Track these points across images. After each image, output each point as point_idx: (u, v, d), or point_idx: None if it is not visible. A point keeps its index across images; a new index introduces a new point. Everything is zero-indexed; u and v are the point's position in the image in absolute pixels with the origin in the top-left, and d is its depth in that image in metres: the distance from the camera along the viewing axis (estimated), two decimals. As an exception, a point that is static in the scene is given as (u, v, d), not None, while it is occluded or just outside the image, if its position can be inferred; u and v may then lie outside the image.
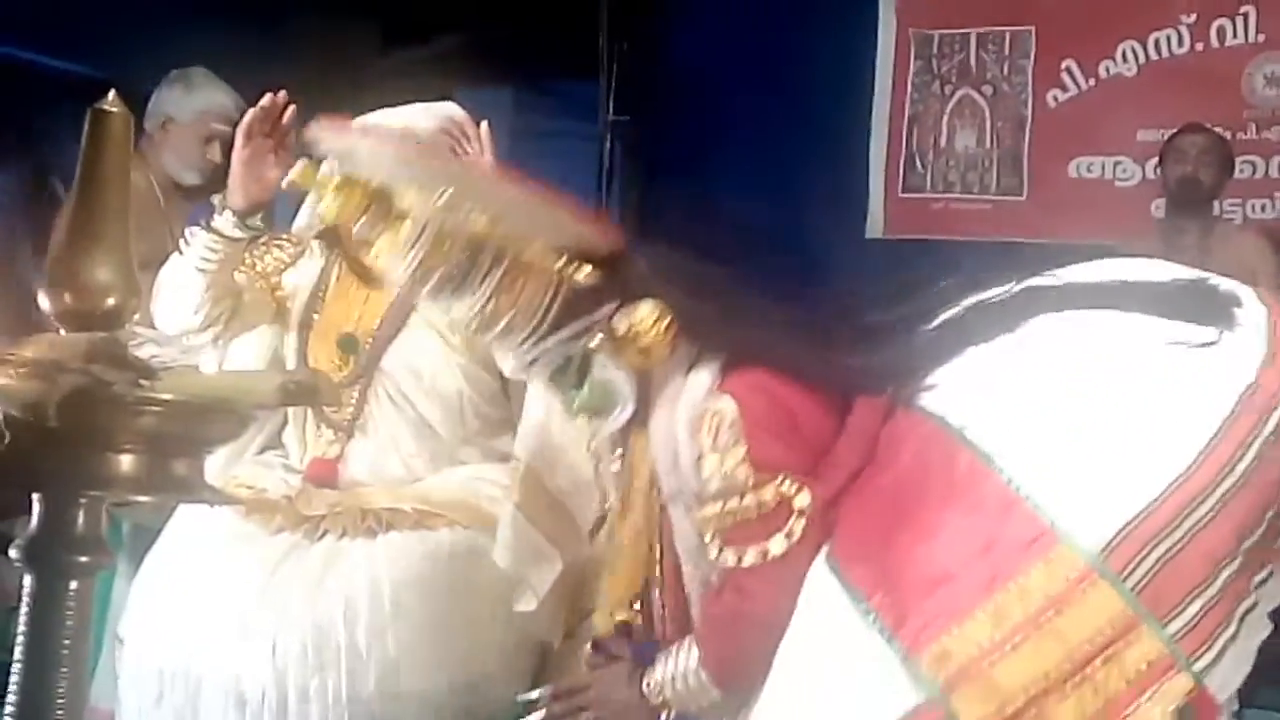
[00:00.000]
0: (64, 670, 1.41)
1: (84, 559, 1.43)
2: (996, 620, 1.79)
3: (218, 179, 3.79)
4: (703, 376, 2.08)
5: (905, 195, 5.37)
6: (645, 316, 2.09)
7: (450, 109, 2.87)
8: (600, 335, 2.10)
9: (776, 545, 1.96)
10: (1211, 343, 1.89)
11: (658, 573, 2.16)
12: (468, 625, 2.68)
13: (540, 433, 2.71)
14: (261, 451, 2.92)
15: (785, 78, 5.29)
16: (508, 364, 2.73)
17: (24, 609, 1.41)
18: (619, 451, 2.26)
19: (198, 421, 1.65)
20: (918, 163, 5.37)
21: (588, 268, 2.08)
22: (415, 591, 2.64)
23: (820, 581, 1.95)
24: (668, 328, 2.09)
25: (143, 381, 1.60)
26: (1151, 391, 1.87)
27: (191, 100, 3.93)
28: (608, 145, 5.43)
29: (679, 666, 2.05)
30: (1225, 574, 1.82)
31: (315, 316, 2.87)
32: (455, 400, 2.85)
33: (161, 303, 2.77)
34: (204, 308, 2.73)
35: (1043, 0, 5.14)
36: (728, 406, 2.02)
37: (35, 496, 1.43)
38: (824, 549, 1.96)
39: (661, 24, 5.52)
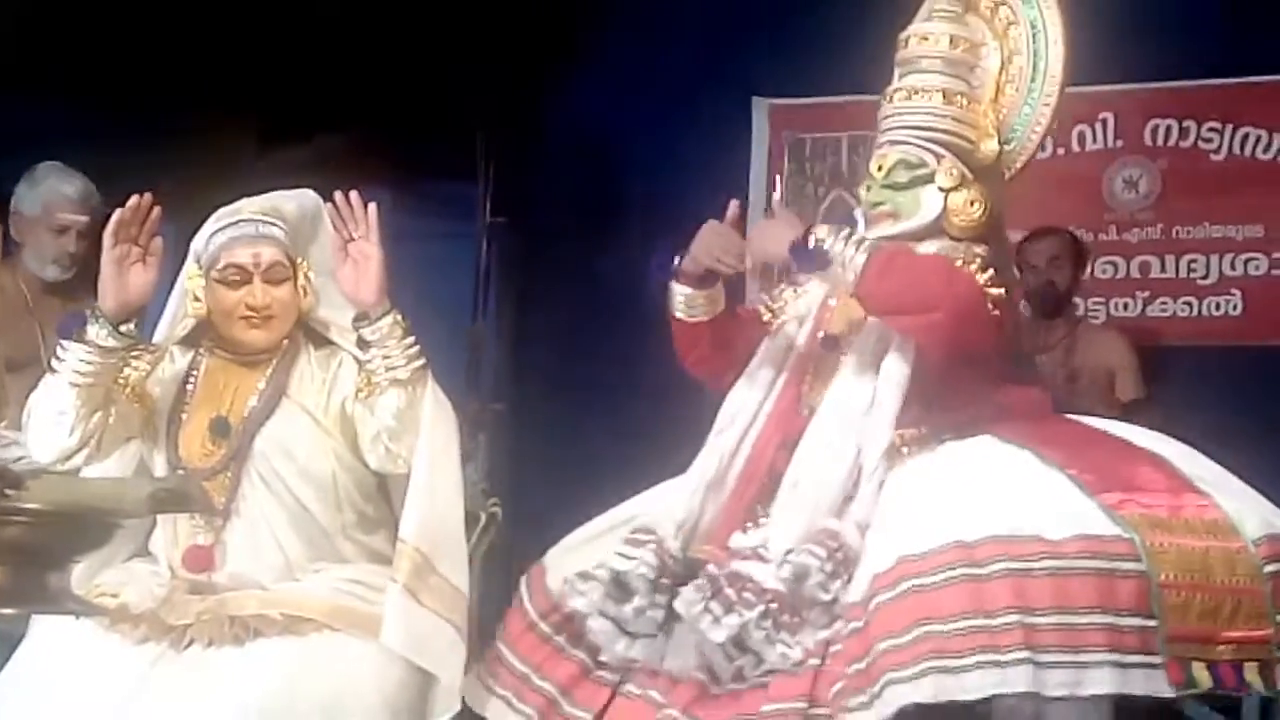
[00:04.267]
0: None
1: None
2: (1186, 527, 2.39)
3: (83, 274, 3.73)
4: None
5: (781, 294, 5.44)
6: (980, 200, 2.72)
7: (313, 195, 2.93)
8: (953, 175, 2.72)
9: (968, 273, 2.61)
10: None
11: None
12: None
13: (429, 515, 2.73)
14: (128, 558, 2.87)
15: (661, 180, 5.34)
16: (375, 456, 2.74)
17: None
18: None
19: (66, 532, 1.61)
20: (793, 264, 5.44)
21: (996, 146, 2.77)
22: (284, 707, 2.58)
23: (995, 446, 2.55)
24: (983, 221, 2.72)
25: (9, 491, 1.56)
26: None
27: (36, 193, 3.87)
28: (485, 246, 5.43)
29: (848, 252, 2.56)
30: None
31: (183, 415, 2.85)
32: (330, 484, 2.84)
33: (34, 427, 2.73)
34: (79, 426, 2.70)
35: (911, 106, 5.27)
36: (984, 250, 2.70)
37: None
38: (997, 435, 2.57)
39: (539, 126, 5.56)
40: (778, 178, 5.46)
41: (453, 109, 5.27)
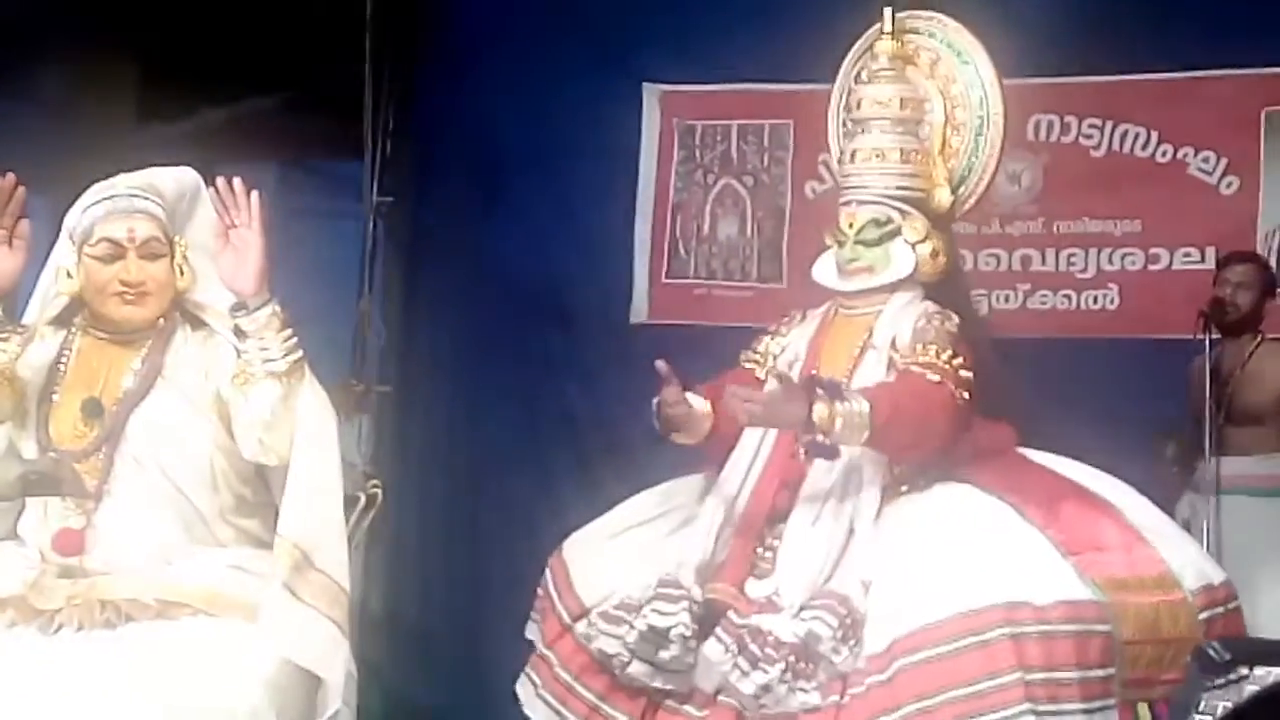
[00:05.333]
0: None
1: None
2: (1140, 584, 2.76)
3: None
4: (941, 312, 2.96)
5: (669, 281, 5.43)
6: (942, 250, 3.01)
7: (192, 173, 2.88)
8: (918, 229, 2.98)
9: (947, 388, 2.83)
10: None
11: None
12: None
13: (308, 511, 2.69)
14: (-4, 543, 2.80)
15: (551, 163, 5.33)
16: (248, 446, 2.69)
17: None
18: None
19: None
20: (681, 250, 5.44)
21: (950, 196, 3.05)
22: (157, 693, 2.53)
23: (980, 499, 2.84)
24: (945, 268, 3.02)
25: None
26: None
27: None
28: (372, 226, 5.38)
29: (851, 407, 2.71)
30: None
31: (55, 395, 2.79)
32: (206, 467, 2.79)
33: None
34: None
35: (801, 96, 5.28)
36: (954, 323, 2.92)
37: None
38: (978, 485, 2.86)
39: (428, 105, 5.51)
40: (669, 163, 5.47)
41: (339, 86, 5.21)
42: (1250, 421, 4.50)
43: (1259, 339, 4.57)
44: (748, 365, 3.13)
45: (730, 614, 2.79)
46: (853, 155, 3.07)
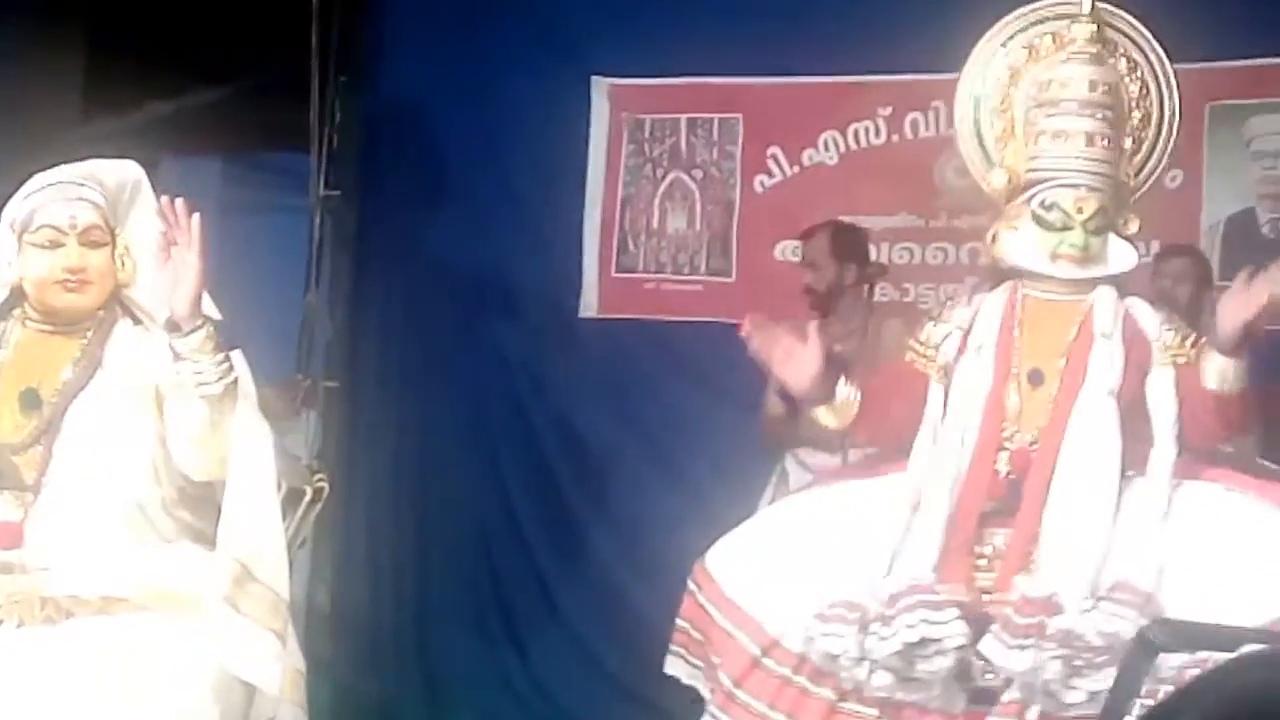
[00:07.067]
0: None
1: None
2: None
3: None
4: None
5: (618, 275, 5.43)
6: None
7: (134, 165, 2.86)
8: (1132, 224, 2.92)
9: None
10: None
11: None
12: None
13: (246, 525, 2.67)
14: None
15: (499, 157, 5.32)
16: (177, 458, 2.68)
17: None
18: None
19: None
20: (630, 243, 5.45)
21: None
22: (99, 690, 2.51)
23: (1236, 498, 2.74)
24: None
25: None
26: None
27: None
28: (318, 220, 5.35)
29: None
30: None
31: None
32: (146, 459, 2.77)
33: None
34: None
35: (749, 90, 5.30)
36: None
37: None
38: (1224, 484, 2.76)
39: (375, 98, 5.49)
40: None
41: (285, 79, 5.17)
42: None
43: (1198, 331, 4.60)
44: (912, 358, 2.96)
45: (1009, 613, 2.64)
46: (1064, 136, 2.90)
